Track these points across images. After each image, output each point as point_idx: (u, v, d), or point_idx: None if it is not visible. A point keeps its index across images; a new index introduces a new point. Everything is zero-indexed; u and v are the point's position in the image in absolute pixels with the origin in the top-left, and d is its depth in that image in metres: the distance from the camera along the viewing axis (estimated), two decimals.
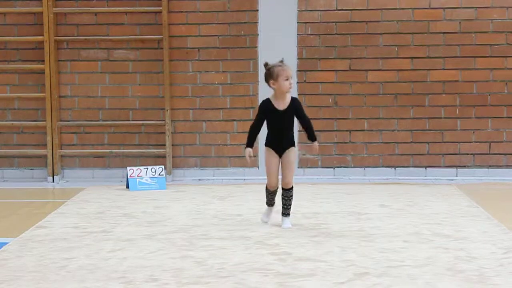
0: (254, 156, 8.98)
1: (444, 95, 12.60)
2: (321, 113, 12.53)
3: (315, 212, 9.80)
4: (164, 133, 12.77)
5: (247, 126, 12.60)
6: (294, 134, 8.82)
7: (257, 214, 9.71)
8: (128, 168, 11.93)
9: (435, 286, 6.47)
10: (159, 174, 11.91)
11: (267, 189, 8.94)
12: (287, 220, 8.83)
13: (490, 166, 12.66)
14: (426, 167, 12.72)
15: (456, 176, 12.65)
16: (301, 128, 8.93)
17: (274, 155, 8.71)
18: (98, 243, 8.18)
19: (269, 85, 8.58)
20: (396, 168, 12.74)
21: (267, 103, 8.66)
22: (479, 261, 7.29)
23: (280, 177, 8.81)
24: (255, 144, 12.61)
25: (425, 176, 12.68)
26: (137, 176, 11.83)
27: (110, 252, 7.79)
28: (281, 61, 8.57)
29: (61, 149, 12.87)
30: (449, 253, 7.60)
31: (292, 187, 8.76)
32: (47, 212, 10.00)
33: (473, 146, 12.65)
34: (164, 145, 12.78)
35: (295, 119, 8.71)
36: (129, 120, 12.88)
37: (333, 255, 7.45)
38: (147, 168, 11.92)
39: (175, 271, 7.00)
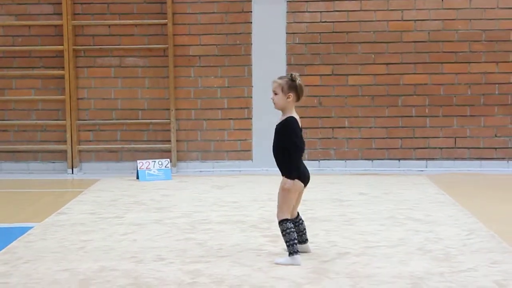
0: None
1: (415, 96, 12.61)
2: (307, 113, 12.52)
3: (302, 199, 9.78)
4: (169, 130, 12.77)
5: (242, 124, 12.76)
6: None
7: (251, 201, 9.72)
8: (138, 161, 11.93)
9: (407, 264, 6.48)
10: (165, 167, 11.91)
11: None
12: (282, 258, 6.63)
13: (455, 158, 12.67)
14: (399, 159, 12.73)
15: (426, 167, 12.66)
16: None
17: None
18: (112, 227, 8.18)
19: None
20: (373, 161, 12.75)
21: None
22: (446, 241, 7.30)
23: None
24: (248, 140, 12.75)
25: (399, 167, 12.68)
26: (146, 168, 11.83)
27: (122, 235, 7.79)
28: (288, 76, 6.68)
29: (79, 145, 12.87)
30: (419, 235, 7.61)
31: (280, 222, 6.57)
32: (67, 200, 9.99)
33: (441, 141, 12.67)
34: (170, 141, 12.77)
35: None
36: (138, 119, 12.87)
37: (318, 237, 7.46)
38: (155, 161, 11.92)
39: (180, 252, 7.00)
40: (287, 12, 12.62)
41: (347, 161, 12.72)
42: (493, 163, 12.63)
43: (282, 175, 6.57)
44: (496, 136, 12.62)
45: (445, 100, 12.59)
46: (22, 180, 12.18)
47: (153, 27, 12.81)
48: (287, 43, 12.66)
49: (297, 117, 6.62)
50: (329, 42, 12.62)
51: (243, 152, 12.80)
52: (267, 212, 8.92)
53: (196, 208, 9.29)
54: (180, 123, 12.82)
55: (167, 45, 12.64)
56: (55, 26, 12.79)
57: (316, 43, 12.63)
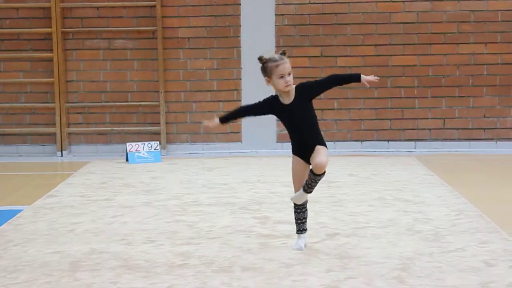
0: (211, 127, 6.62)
1: (404, 77, 12.62)
2: None
3: (291, 180, 9.79)
4: (159, 112, 12.75)
5: (232, 106, 12.66)
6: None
7: (240, 183, 9.72)
8: (128, 143, 11.91)
9: (396, 244, 6.50)
10: (154, 149, 11.90)
11: (294, 203, 6.50)
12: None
13: (444, 139, 12.70)
14: (388, 140, 12.75)
15: (415, 148, 12.68)
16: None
17: (299, 161, 6.39)
18: (101, 210, 8.19)
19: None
20: (362, 142, 12.77)
21: (273, 97, 6.42)
22: (435, 222, 7.33)
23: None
24: (237, 122, 12.70)
25: (388, 148, 12.71)
26: (136, 150, 11.82)
27: (112, 217, 7.80)
28: (282, 53, 6.38)
29: (69, 128, 12.84)
30: (408, 216, 7.64)
31: (324, 172, 6.20)
32: (57, 183, 9.98)
33: (429, 122, 12.69)
34: (159, 123, 12.76)
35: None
36: (128, 102, 12.85)
37: (308, 219, 7.47)
38: (144, 144, 11.90)
39: (170, 234, 7.01)
40: None
41: (336, 142, 12.72)
42: (481, 144, 12.66)
43: (317, 145, 6.30)
44: (484, 117, 12.65)
45: (434, 81, 12.61)
46: (12, 163, 12.15)
47: (142, 9, 12.77)
48: (276, 25, 12.64)
49: None
50: (318, 24, 12.61)
51: (233, 134, 12.80)
52: (257, 194, 8.94)
53: (186, 190, 9.30)
54: (169, 105, 12.81)
55: (156, 27, 12.61)
56: (44, 8, 12.74)
57: (305, 24, 12.62)
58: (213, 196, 8.90)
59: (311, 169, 6.22)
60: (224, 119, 6.47)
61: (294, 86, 6.38)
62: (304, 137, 6.35)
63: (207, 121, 6.48)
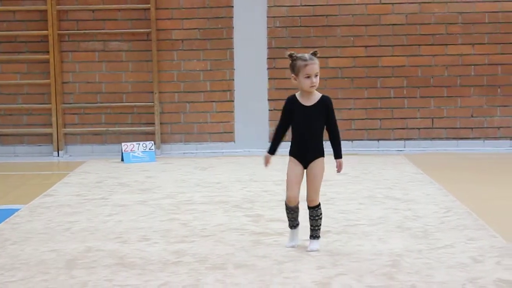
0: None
1: (393, 78, 12.64)
2: (288, 94, 12.49)
3: (283, 179, 9.77)
4: (153, 113, 12.75)
5: (225, 107, 12.74)
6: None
7: (233, 182, 9.72)
8: (123, 143, 11.91)
9: (386, 241, 6.51)
10: (149, 149, 11.90)
11: (286, 205, 6.43)
12: (315, 243, 6.33)
13: (433, 138, 12.73)
14: (378, 140, 12.77)
15: (404, 147, 12.70)
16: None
17: (297, 164, 6.43)
18: (97, 209, 8.17)
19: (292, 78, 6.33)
20: (353, 141, 12.78)
21: (291, 99, 6.43)
22: (424, 219, 7.34)
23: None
24: (230, 122, 12.69)
25: (378, 147, 12.72)
26: (131, 150, 11.81)
27: (107, 216, 7.79)
28: (313, 53, 6.25)
29: (65, 128, 12.83)
30: (398, 213, 7.64)
31: (319, 205, 6.36)
32: (53, 182, 9.97)
33: (418, 122, 12.71)
34: (153, 123, 12.75)
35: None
36: (123, 102, 12.84)
37: (299, 217, 7.47)
38: (139, 144, 11.90)
39: (164, 232, 7.01)
40: None
41: (327, 141, 12.69)
42: (469, 143, 12.69)
43: (317, 156, 6.55)
44: (472, 116, 12.67)
45: (423, 82, 12.63)
46: (9, 163, 12.14)
47: (136, 12, 12.77)
48: (268, 27, 12.65)
49: None
50: (309, 26, 12.62)
51: (226, 134, 12.80)
52: (250, 193, 8.94)
53: (180, 189, 9.29)
54: (163, 106, 12.81)
55: (150, 29, 12.60)
56: (40, 11, 12.73)
57: (297, 26, 12.63)
58: (207, 195, 8.90)
59: (307, 205, 6.31)
60: (272, 150, 6.47)
61: (321, 94, 6.42)
62: (309, 140, 6.45)
63: (265, 162, 6.48)
